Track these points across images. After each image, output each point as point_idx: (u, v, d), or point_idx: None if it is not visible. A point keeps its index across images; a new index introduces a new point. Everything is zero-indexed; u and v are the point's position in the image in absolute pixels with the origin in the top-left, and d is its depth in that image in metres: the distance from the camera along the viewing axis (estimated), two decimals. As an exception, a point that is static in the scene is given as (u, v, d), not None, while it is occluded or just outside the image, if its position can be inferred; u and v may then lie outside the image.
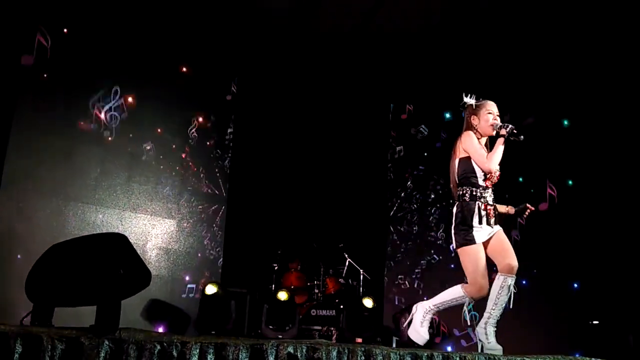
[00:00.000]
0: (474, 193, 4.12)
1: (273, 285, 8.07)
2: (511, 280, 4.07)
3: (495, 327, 4.10)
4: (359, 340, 6.78)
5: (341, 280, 8.08)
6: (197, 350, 2.95)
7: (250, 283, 7.67)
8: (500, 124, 4.18)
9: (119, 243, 3.40)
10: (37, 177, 6.28)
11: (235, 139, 8.16)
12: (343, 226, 8.61)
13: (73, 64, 6.60)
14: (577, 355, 5.01)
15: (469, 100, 4.29)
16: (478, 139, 4.21)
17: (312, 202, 8.74)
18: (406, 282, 7.88)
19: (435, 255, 7.81)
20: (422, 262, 7.86)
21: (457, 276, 7.48)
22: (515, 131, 4.09)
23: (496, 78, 7.32)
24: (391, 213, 8.10)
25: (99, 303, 3.08)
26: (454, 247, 4.22)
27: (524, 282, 7.10)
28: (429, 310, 4.32)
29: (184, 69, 7.66)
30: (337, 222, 8.66)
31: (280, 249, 8.35)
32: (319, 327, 7.41)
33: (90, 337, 2.77)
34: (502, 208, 4.26)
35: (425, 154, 8.08)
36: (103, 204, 6.75)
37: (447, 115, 8.10)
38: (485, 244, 4.14)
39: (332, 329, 7.26)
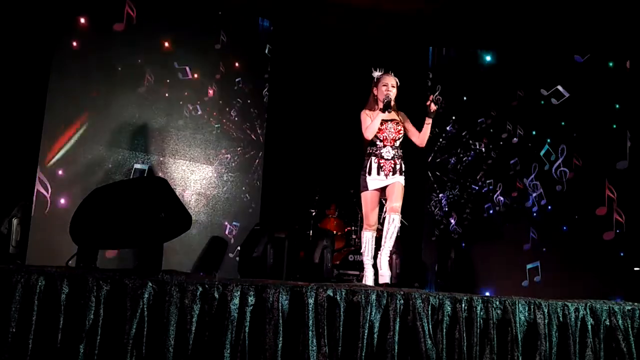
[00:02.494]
0: (370, 151, 5.15)
1: (311, 231, 8.11)
2: (395, 216, 5.09)
3: (388, 256, 5.09)
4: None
5: (379, 226, 8.06)
6: (238, 292, 2.98)
7: (288, 228, 7.72)
8: (386, 94, 5.08)
9: (160, 187, 3.43)
10: (77, 123, 6.35)
11: (272, 84, 8.10)
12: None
13: (111, 9, 6.58)
14: (618, 300, 4.96)
15: (375, 73, 5.30)
16: (374, 110, 5.17)
17: (349, 147, 8.68)
18: (444, 227, 7.84)
19: (473, 200, 7.74)
20: (456, 205, 7.81)
21: (493, 219, 7.47)
22: (390, 106, 5.02)
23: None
24: (429, 159, 8.01)
25: (142, 245, 3.13)
26: (360, 191, 5.21)
27: (564, 228, 7.02)
28: (366, 264, 5.20)
29: (219, 13, 7.57)
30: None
31: (318, 195, 8.36)
32: (357, 272, 7.46)
33: (134, 278, 2.82)
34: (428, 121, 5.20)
35: (465, 98, 7.92)
36: (142, 149, 6.81)
37: (488, 58, 7.91)
38: (383, 189, 5.16)
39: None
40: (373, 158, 5.12)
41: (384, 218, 5.16)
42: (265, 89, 8.01)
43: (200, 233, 7.15)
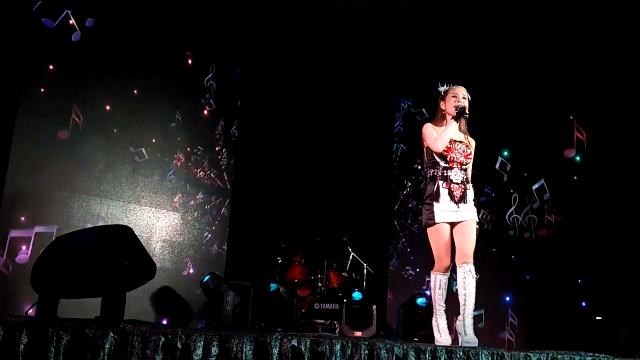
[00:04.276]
0: (436, 173, 4.36)
1: (277, 279, 8.08)
2: (468, 267, 4.27)
3: (472, 319, 4.28)
4: (358, 334, 6.80)
5: (345, 274, 8.08)
6: (202, 342, 2.95)
7: (254, 276, 7.68)
8: (457, 104, 4.36)
9: (125, 235, 3.41)
10: (42, 169, 6.29)
11: (240, 131, 8.16)
12: (347, 220, 8.61)
13: (78, 55, 6.61)
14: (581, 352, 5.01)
15: (441, 88, 4.53)
16: (441, 125, 4.44)
17: (316, 195, 8.74)
18: (410, 276, 7.87)
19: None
20: (426, 255, 7.85)
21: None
22: (466, 112, 4.35)
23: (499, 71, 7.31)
24: (395, 207, 8.09)
25: (104, 295, 3.09)
26: (422, 223, 4.46)
27: (527, 277, 7.10)
28: (437, 317, 4.40)
29: (189, 61, 7.66)
30: (340, 216, 8.66)
31: (284, 243, 8.36)
32: (323, 321, 7.42)
33: (95, 328, 2.78)
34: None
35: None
36: (108, 196, 6.76)
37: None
38: (453, 226, 4.35)
39: (336, 322, 7.27)
40: (440, 182, 4.32)
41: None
42: (234, 137, 8.06)
43: (165, 281, 7.06)
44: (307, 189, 8.72)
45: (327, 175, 8.77)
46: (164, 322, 6.88)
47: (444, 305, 4.36)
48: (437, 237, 4.33)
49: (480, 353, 3.65)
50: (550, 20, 6.54)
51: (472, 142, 4.56)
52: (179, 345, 2.90)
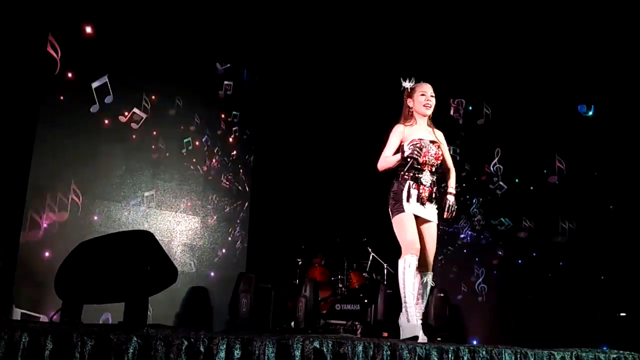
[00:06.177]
0: (405, 175, 4.40)
1: (297, 280, 8.09)
2: (429, 276, 4.38)
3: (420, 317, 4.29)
4: (385, 334, 6.78)
5: (365, 274, 8.06)
6: (224, 346, 2.97)
7: (275, 278, 7.70)
8: (410, 154, 4.33)
9: (146, 240, 3.44)
10: (63, 176, 6.35)
11: (258, 135, 8.19)
12: (366, 220, 8.58)
13: (97, 63, 6.67)
14: (604, 348, 4.97)
15: (406, 84, 4.58)
16: (411, 124, 4.51)
17: (335, 196, 8.73)
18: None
19: (457, 246, 7.75)
20: (446, 251, 7.81)
21: (478, 265, 7.48)
22: (413, 156, 4.32)
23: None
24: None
25: (127, 300, 3.12)
26: (391, 219, 4.46)
27: (549, 274, 7.04)
28: (409, 306, 4.26)
29: (206, 67, 7.70)
30: (360, 216, 8.64)
31: (304, 244, 8.36)
32: (344, 322, 7.41)
33: (118, 333, 2.80)
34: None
35: (450, 147, 7.99)
36: (128, 201, 6.81)
37: (469, 108, 8.04)
38: (419, 222, 4.39)
39: (357, 323, 7.26)
40: (411, 183, 4.37)
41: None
42: (252, 140, 8.09)
43: (186, 284, 7.10)
44: (326, 190, 8.71)
45: (346, 175, 8.75)
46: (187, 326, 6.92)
47: (414, 298, 4.27)
48: (409, 223, 4.33)
49: (503, 352, 3.63)
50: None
51: (440, 135, 4.61)
52: (202, 349, 2.92)
